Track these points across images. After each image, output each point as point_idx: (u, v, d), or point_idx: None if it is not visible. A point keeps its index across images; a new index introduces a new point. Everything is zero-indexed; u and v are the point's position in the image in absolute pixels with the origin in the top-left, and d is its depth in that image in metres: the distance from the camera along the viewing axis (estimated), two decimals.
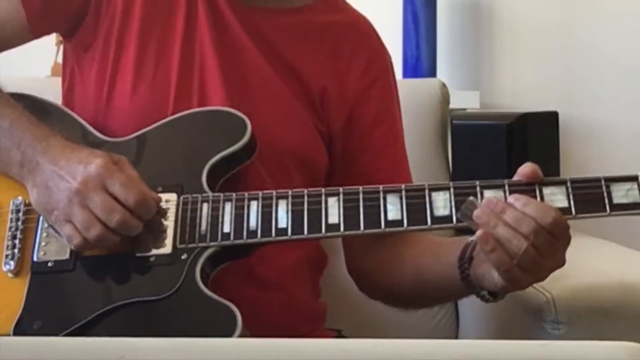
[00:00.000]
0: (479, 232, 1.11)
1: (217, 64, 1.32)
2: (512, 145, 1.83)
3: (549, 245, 1.11)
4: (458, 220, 1.16)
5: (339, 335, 1.43)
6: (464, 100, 2.19)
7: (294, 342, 0.82)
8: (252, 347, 0.79)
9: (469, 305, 1.74)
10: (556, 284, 1.41)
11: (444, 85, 1.93)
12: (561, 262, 1.14)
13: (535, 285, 1.41)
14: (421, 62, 2.21)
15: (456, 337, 1.79)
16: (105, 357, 0.78)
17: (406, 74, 2.22)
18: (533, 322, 1.39)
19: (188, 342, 0.84)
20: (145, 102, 1.31)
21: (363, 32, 1.44)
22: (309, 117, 1.36)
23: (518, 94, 2.32)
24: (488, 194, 1.16)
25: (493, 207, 1.12)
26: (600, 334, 1.34)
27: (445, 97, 1.91)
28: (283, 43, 1.37)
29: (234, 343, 0.82)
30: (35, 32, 1.35)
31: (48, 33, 1.38)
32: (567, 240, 1.13)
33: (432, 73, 2.22)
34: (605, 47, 2.29)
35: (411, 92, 1.78)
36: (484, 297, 1.20)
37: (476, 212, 1.12)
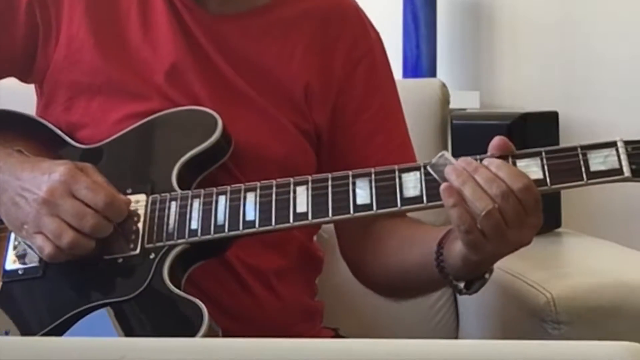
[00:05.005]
0: (442, 185, 1.07)
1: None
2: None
3: (515, 213, 1.06)
4: (429, 200, 1.11)
5: (336, 334, 1.42)
6: (464, 100, 2.19)
7: (292, 342, 0.82)
8: (251, 347, 0.79)
9: (469, 306, 1.74)
10: (556, 284, 1.41)
11: (444, 85, 1.93)
12: (526, 240, 1.09)
13: (535, 285, 1.42)
14: (421, 62, 2.22)
15: (456, 337, 1.79)
16: (105, 357, 0.78)
17: (406, 74, 2.22)
18: (533, 322, 1.39)
19: (188, 342, 0.84)
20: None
21: (346, 14, 1.39)
22: (288, 120, 1.32)
23: (518, 94, 2.32)
24: None
25: (466, 165, 1.08)
26: (600, 334, 1.34)
27: (445, 97, 1.91)
28: (254, 49, 1.33)
29: (234, 343, 0.82)
30: None
31: (1, 78, 1.37)
32: (536, 217, 1.08)
33: (432, 73, 2.22)
34: (605, 47, 2.29)
35: (411, 92, 1.78)
36: (457, 287, 1.16)
37: (447, 169, 1.08)
